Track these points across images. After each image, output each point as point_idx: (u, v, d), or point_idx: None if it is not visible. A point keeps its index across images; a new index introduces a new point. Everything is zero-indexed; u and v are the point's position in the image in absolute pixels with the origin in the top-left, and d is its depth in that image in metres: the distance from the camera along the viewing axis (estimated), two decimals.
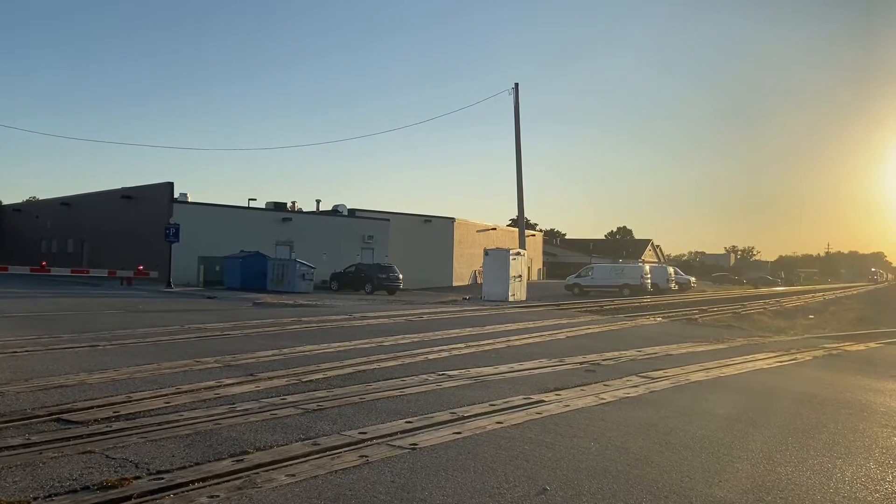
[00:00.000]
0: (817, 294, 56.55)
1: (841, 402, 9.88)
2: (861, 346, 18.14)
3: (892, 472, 6.18)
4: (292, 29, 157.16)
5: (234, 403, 7.45)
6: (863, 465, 6.40)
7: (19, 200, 67.01)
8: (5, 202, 65.81)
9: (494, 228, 59.84)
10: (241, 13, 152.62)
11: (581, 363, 11.87)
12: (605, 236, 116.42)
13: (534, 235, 68.91)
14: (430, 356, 11.91)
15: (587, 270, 48.84)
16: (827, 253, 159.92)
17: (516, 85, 43.95)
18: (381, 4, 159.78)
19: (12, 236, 55.53)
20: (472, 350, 13.11)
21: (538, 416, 7.57)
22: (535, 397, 8.52)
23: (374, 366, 10.55)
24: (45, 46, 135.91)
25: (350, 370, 10.03)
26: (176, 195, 38.83)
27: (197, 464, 5.28)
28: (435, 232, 51.30)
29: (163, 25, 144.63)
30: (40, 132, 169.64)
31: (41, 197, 64.11)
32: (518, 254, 35.51)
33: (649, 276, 47.82)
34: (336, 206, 47.75)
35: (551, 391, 9.01)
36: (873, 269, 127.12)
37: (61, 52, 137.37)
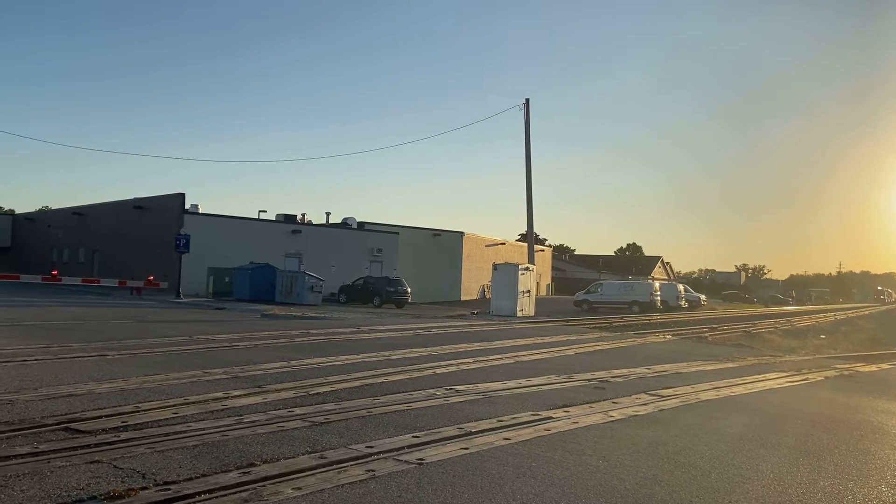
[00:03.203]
0: (829, 314, 56.13)
1: (853, 423, 9.77)
2: (873, 367, 17.97)
3: None
4: (306, 43, 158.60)
5: (241, 415, 7.44)
6: (874, 487, 6.32)
7: (32, 209, 67.72)
8: (18, 211, 66.56)
9: (504, 243, 59.80)
10: (255, 27, 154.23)
11: (590, 380, 11.81)
12: (615, 252, 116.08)
13: (543, 251, 68.80)
14: (438, 370, 11.88)
15: (596, 287, 48.68)
16: (839, 272, 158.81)
17: (527, 101, 44.15)
18: (393, 21, 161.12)
19: (25, 245, 56.00)
20: (480, 365, 13.07)
21: (546, 432, 7.53)
22: (544, 414, 8.48)
23: (382, 379, 10.54)
24: (59, 57, 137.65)
25: (357, 383, 10.02)
26: (187, 206, 39.09)
27: (204, 475, 5.28)
28: (444, 246, 51.32)
29: (175, 38, 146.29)
30: (53, 142, 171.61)
31: (54, 206, 64.80)
32: (527, 269, 35.49)
33: (659, 293, 47.60)
34: (345, 219, 47.90)
35: (560, 408, 8.96)
36: (879, 288, 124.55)
37: (74, 63, 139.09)
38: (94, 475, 5.14)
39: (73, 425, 6.60)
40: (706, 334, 27.28)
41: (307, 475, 5.42)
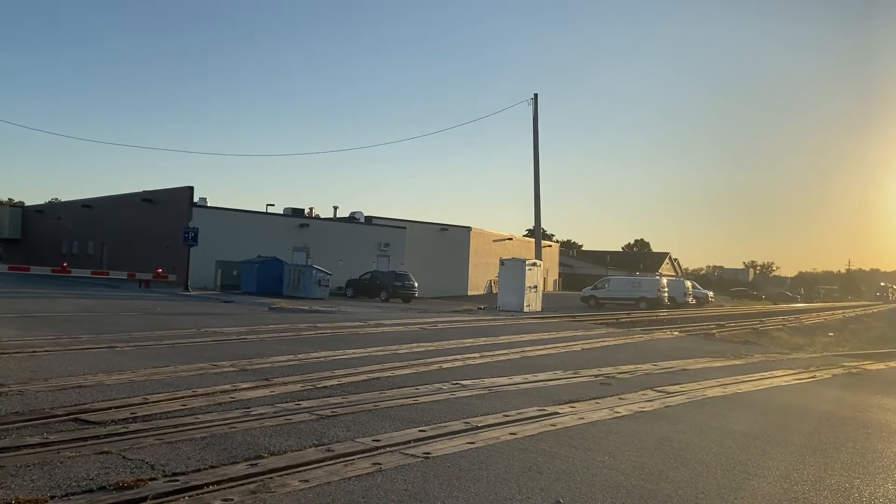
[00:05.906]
0: (837, 311, 55.87)
1: (860, 421, 9.74)
2: (881, 366, 17.89)
3: None
4: (313, 35, 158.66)
5: (249, 407, 7.49)
6: (881, 485, 6.31)
7: (42, 202, 67.98)
8: (28, 203, 66.80)
9: (511, 238, 59.73)
10: (263, 18, 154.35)
11: (596, 376, 11.80)
12: (623, 248, 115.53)
13: (550, 246, 68.69)
14: (445, 365, 11.91)
15: (603, 282, 48.54)
16: (848, 270, 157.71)
17: (535, 96, 43.97)
18: (401, 13, 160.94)
19: (35, 237, 56.29)
20: (487, 360, 13.08)
21: (552, 427, 7.54)
22: (550, 409, 8.49)
23: (389, 373, 10.57)
24: (69, 49, 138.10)
25: (364, 377, 10.06)
26: (196, 199, 39.17)
27: (212, 467, 5.32)
28: (451, 241, 51.30)
29: (185, 30, 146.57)
30: (63, 134, 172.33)
31: (63, 199, 64.98)
32: (534, 264, 35.44)
33: (666, 289, 47.39)
34: (353, 213, 47.95)
35: (566, 403, 8.97)
36: (882, 285, 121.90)
37: (84, 55, 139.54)
38: (104, 466, 5.18)
39: (82, 416, 6.66)
40: (713, 331, 27.20)
41: (314, 468, 5.46)
